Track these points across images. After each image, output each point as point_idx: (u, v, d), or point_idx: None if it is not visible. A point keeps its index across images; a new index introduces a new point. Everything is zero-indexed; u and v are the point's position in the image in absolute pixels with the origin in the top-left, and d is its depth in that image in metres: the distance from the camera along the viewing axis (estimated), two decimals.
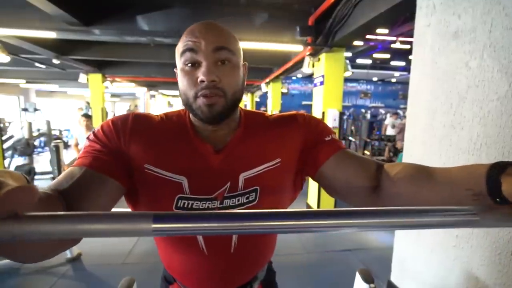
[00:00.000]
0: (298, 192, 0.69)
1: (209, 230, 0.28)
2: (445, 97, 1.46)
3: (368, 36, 9.41)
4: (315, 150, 0.61)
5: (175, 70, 0.58)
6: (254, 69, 6.13)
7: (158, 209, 0.50)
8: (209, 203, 0.56)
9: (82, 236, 0.29)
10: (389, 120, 8.14)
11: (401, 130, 5.86)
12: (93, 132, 0.56)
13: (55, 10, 2.45)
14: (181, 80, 0.54)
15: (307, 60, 3.38)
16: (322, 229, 0.31)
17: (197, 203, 0.56)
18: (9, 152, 5.02)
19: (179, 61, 0.54)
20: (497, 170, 0.35)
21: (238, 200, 0.57)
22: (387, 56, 12.78)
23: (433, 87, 1.54)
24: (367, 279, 1.17)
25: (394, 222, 0.31)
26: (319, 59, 3.41)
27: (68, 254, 2.40)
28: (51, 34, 2.84)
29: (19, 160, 5.27)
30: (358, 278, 1.23)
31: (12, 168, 4.89)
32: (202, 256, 0.60)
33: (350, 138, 7.82)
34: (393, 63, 13.69)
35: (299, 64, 4.04)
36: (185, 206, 0.55)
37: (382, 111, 13.49)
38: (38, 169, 4.73)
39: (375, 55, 12.77)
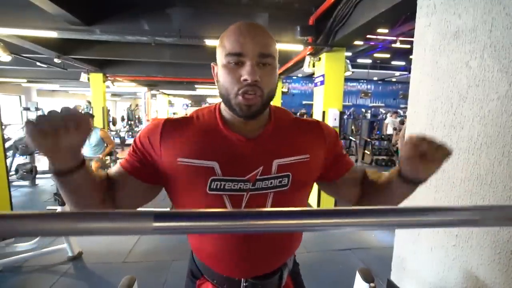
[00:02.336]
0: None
1: (211, 228, 0.28)
2: (445, 97, 1.46)
3: (368, 36, 9.40)
4: (336, 162, 0.71)
5: (213, 64, 0.64)
6: None
7: (193, 193, 0.63)
8: (241, 184, 0.61)
9: (85, 235, 0.29)
10: (389, 119, 8.12)
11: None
12: (134, 141, 0.66)
13: (56, 10, 2.46)
14: (224, 76, 0.58)
15: (308, 59, 3.38)
16: (324, 228, 0.32)
17: (229, 184, 0.60)
18: (11, 152, 5.04)
19: (222, 58, 0.58)
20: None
21: (271, 183, 0.62)
22: (388, 55, 12.76)
23: (434, 86, 1.54)
24: (367, 278, 1.18)
25: (395, 221, 0.31)
26: (319, 59, 3.41)
27: (69, 252, 2.41)
28: (52, 34, 2.85)
29: (20, 159, 5.28)
30: (358, 277, 1.24)
31: (13, 167, 4.90)
32: (236, 239, 0.63)
33: (351, 137, 7.81)
34: (393, 62, 13.67)
35: (300, 63, 4.04)
36: (218, 187, 0.60)
37: (382, 110, 13.47)
38: (39, 168, 4.74)
39: (376, 55, 12.74)
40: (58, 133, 0.45)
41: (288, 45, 3.31)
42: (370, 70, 14.39)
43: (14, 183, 4.82)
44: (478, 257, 1.29)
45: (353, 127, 10.48)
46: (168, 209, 0.30)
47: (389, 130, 7.73)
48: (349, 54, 11.66)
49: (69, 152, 0.49)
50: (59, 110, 0.47)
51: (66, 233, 0.27)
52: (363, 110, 13.06)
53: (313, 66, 3.47)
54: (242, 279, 0.66)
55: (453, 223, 0.31)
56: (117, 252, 2.56)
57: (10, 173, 4.90)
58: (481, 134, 1.27)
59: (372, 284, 1.13)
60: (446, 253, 1.46)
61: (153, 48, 4.17)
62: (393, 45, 10.11)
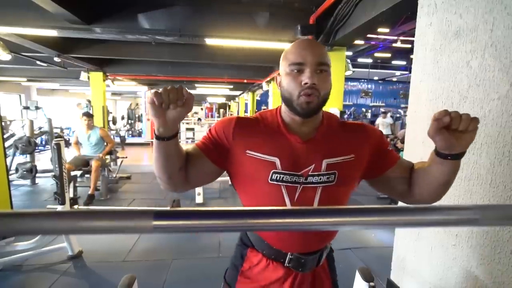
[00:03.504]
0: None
1: (209, 227, 0.28)
2: (446, 97, 1.46)
3: (369, 35, 9.38)
4: (380, 159, 0.78)
5: (276, 76, 0.77)
6: (255, 68, 6.12)
7: (256, 181, 0.74)
8: (296, 178, 0.72)
9: (86, 233, 0.29)
10: (379, 120, 8.15)
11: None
12: (209, 130, 0.78)
13: (57, 9, 2.45)
14: (287, 82, 0.71)
15: None
16: (325, 227, 0.32)
17: (286, 177, 0.71)
18: (11, 150, 5.03)
19: (286, 67, 0.71)
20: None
21: (320, 179, 0.72)
22: (388, 55, 12.74)
23: (434, 86, 1.54)
24: (367, 277, 1.18)
25: (395, 220, 0.31)
26: None
27: (69, 251, 2.41)
28: (52, 33, 2.84)
29: (20, 158, 5.28)
30: (358, 277, 1.24)
31: (13, 166, 4.91)
32: None
33: None
34: (394, 62, 13.66)
35: None
36: (278, 178, 0.71)
37: (382, 110, 13.47)
38: (39, 167, 4.74)
39: (376, 54, 12.73)
40: (172, 106, 0.59)
41: (289, 44, 3.30)
42: (371, 70, 14.38)
43: (14, 182, 4.82)
44: (478, 256, 1.29)
45: None
46: (168, 208, 0.30)
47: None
48: (350, 53, 11.65)
49: (174, 122, 0.63)
50: (173, 88, 0.59)
51: (66, 232, 0.27)
52: (364, 109, 13.05)
53: None
54: (289, 253, 0.76)
55: (453, 222, 0.31)
56: (117, 251, 2.56)
57: (10, 172, 4.91)
58: (482, 134, 1.26)
59: (372, 284, 1.13)
60: (446, 252, 1.46)
61: (152, 47, 4.16)
62: (394, 44, 10.11)
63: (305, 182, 0.72)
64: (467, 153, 1.37)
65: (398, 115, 11.39)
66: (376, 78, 17.35)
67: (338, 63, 3.31)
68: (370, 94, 14.06)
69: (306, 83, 0.67)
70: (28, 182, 4.86)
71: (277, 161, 0.71)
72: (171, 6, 2.95)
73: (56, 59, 4.37)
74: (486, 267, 1.25)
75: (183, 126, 10.69)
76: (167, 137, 0.64)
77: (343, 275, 1.26)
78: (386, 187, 0.81)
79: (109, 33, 2.92)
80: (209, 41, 3.09)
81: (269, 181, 0.72)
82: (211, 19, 3.04)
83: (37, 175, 4.67)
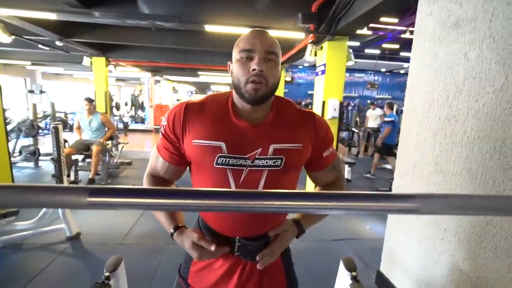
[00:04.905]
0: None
1: (142, 205, 0.29)
2: (442, 89, 1.43)
3: (377, 26, 9.16)
4: (319, 157, 0.83)
5: (229, 63, 0.77)
6: None
7: (203, 166, 0.76)
8: (242, 161, 0.73)
9: (24, 207, 0.29)
10: (369, 112, 8.05)
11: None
12: (163, 129, 0.79)
13: None
14: (237, 68, 0.71)
15: (309, 48, 3.31)
16: (267, 209, 0.32)
17: (232, 160, 0.73)
18: (15, 134, 5.11)
19: (237, 54, 0.72)
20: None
21: (267, 162, 0.74)
22: (397, 46, 12.46)
23: (431, 78, 1.51)
24: (350, 267, 1.19)
25: (336, 205, 0.31)
26: (321, 48, 3.34)
27: (67, 232, 2.47)
28: (52, 16, 2.82)
29: (24, 141, 5.36)
30: (341, 266, 1.25)
31: (17, 149, 4.98)
32: None
33: (354, 129, 7.74)
34: (402, 54, 13.36)
35: (303, 52, 3.97)
36: (223, 162, 0.73)
37: (387, 102, 13.27)
38: (42, 150, 4.81)
39: (384, 45, 12.45)
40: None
41: (289, 33, 3.24)
42: (378, 61, 14.11)
43: (17, 164, 4.90)
44: (464, 251, 1.29)
45: (357, 119, 10.37)
46: (104, 185, 0.30)
47: (370, 123, 7.67)
48: (357, 44, 11.41)
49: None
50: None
51: (8, 205, 0.27)
52: (369, 101, 12.88)
53: (315, 55, 3.41)
54: (236, 239, 0.78)
55: (393, 209, 0.31)
56: (114, 234, 2.62)
57: (14, 155, 4.99)
58: (475, 128, 1.24)
59: (354, 273, 1.14)
60: (434, 246, 1.46)
61: (154, 33, 4.12)
62: (403, 35, 9.86)
63: (251, 165, 0.74)
64: (459, 147, 1.36)
65: (402, 108, 11.23)
66: (383, 70, 17.05)
67: (340, 53, 3.25)
68: (376, 86, 13.84)
69: (254, 69, 0.69)
70: (31, 164, 4.94)
71: (223, 145, 0.73)
72: None
73: (58, 43, 4.35)
74: (472, 261, 1.25)
75: None
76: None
77: (333, 265, 1.29)
78: (313, 179, 0.90)
79: (109, 18, 2.89)
80: (209, 28, 3.04)
81: (215, 165, 0.73)
82: (211, 6, 2.99)
83: (40, 158, 4.75)
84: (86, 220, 2.85)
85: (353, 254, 2.44)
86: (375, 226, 3.04)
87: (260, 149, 0.74)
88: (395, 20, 8.54)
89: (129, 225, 2.81)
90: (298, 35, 3.32)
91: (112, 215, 2.98)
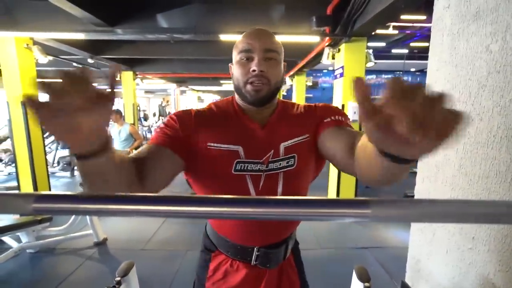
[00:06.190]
0: (319, 172, 0.82)
1: (89, 212, 0.29)
2: (463, 86, 1.33)
3: (403, 24, 8.80)
4: (320, 124, 0.74)
5: (230, 65, 0.75)
6: None
7: (219, 174, 0.69)
8: (259, 166, 0.70)
9: None
10: None
11: None
12: (166, 121, 0.71)
13: (82, 13, 2.64)
14: (236, 70, 0.70)
15: (326, 51, 3.25)
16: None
17: (251, 166, 0.69)
18: (54, 146, 5.54)
19: (236, 56, 0.70)
20: None
21: (280, 164, 0.71)
22: (426, 44, 11.84)
23: (452, 75, 1.40)
24: (363, 277, 1.12)
25: (283, 212, 0.30)
26: (339, 50, 3.26)
27: (95, 238, 2.61)
28: (80, 36, 3.06)
29: (62, 152, 5.79)
30: (354, 277, 1.18)
31: (56, 160, 5.40)
32: None
33: None
34: None
35: (321, 56, 3.91)
36: (242, 168, 0.69)
37: None
38: None
39: (413, 44, 11.90)
40: (74, 112, 0.34)
41: (305, 37, 3.20)
42: (407, 61, 13.49)
43: (56, 174, 5.30)
44: (496, 262, 1.17)
45: None
46: (49, 192, 0.31)
47: None
48: (382, 44, 11.03)
49: (91, 133, 0.38)
50: (68, 76, 0.33)
51: None
52: None
53: (333, 58, 3.34)
54: (255, 248, 0.74)
55: (343, 215, 0.29)
56: (138, 240, 2.72)
57: (53, 165, 5.40)
58: (501, 126, 1.13)
59: (367, 284, 1.07)
60: (462, 256, 1.34)
61: (175, 46, 4.30)
62: None
63: (266, 169, 0.70)
64: (485, 148, 1.25)
65: None
66: (413, 69, 16.24)
67: (358, 55, 3.15)
68: None
69: (254, 70, 0.67)
70: (68, 174, 5.31)
71: (240, 149, 0.69)
72: (187, 4, 3.02)
73: (89, 60, 4.70)
74: (505, 275, 1.12)
75: None
76: (93, 154, 0.41)
77: (351, 275, 1.23)
78: (330, 157, 0.70)
79: (131, 34, 3.07)
80: (223, 37, 3.10)
81: (233, 171, 0.69)
82: (226, 15, 3.06)
83: (76, 167, 5.10)
84: (112, 225, 3.00)
85: (376, 262, 2.30)
86: (401, 234, 2.86)
87: (272, 151, 0.71)
88: (423, 17, 8.14)
89: (152, 231, 2.91)
90: (314, 38, 3.27)
91: (137, 221, 3.10)
